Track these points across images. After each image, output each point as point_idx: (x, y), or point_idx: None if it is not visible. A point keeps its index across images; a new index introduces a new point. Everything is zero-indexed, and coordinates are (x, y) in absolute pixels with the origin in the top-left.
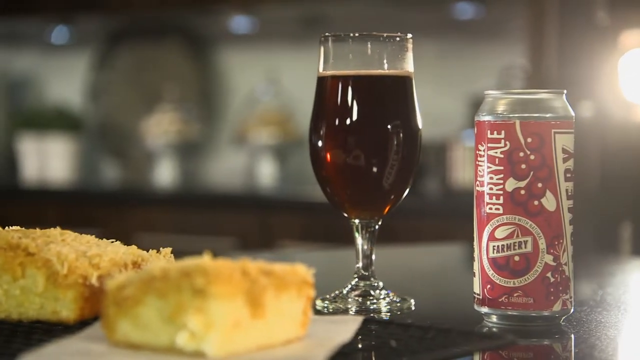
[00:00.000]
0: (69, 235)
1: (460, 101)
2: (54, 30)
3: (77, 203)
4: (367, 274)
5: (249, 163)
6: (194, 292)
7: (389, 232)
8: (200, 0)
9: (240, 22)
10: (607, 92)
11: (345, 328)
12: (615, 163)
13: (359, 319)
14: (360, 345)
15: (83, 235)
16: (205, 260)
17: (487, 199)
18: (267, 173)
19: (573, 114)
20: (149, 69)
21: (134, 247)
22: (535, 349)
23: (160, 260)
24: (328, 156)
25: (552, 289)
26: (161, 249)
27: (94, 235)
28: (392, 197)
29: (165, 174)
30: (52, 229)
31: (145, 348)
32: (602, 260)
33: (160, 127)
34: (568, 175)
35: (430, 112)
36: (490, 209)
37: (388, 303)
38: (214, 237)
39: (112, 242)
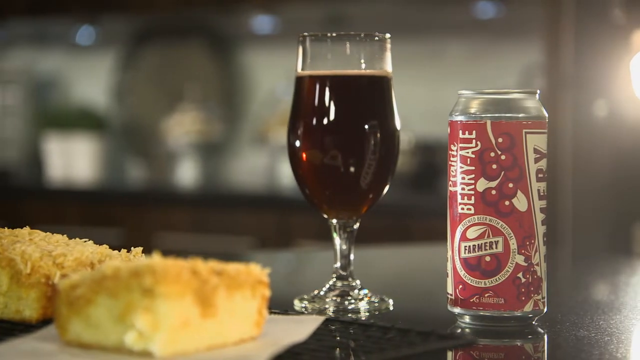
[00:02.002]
0: (38, 234)
1: None
2: (79, 31)
3: (100, 202)
4: (345, 274)
5: (270, 163)
6: (143, 291)
7: (404, 232)
8: (223, 0)
9: (262, 22)
10: (621, 91)
11: (303, 328)
12: (628, 163)
13: (320, 318)
14: (313, 345)
15: (54, 234)
16: (155, 259)
17: (459, 199)
18: (288, 173)
19: (546, 114)
20: (173, 69)
21: (104, 246)
22: (505, 350)
23: (117, 259)
24: (306, 156)
25: (523, 290)
26: (132, 248)
27: (65, 236)
28: (370, 197)
29: (187, 173)
30: (21, 228)
31: (96, 347)
32: (604, 261)
33: (183, 127)
34: (540, 175)
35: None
36: (462, 209)
37: (366, 303)
38: (233, 237)
39: (85, 241)
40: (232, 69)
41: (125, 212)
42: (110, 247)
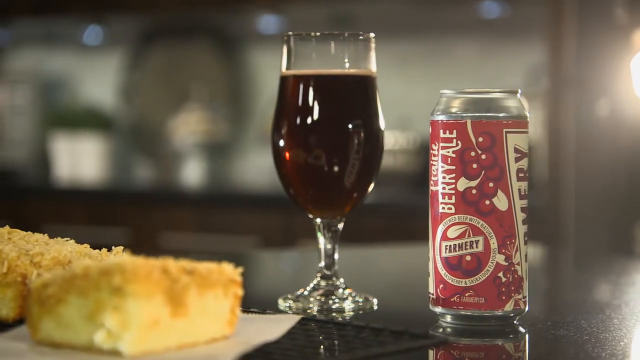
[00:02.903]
0: (17, 233)
1: None
2: (86, 31)
3: (106, 202)
4: (329, 273)
5: None
6: (112, 290)
7: (407, 232)
8: (229, 0)
9: (268, 22)
10: (623, 90)
11: (277, 327)
12: (630, 162)
13: (296, 318)
14: (285, 344)
15: (34, 233)
16: (125, 258)
17: (440, 198)
18: None
19: (527, 113)
20: (180, 68)
21: (84, 245)
22: (485, 349)
23: (97, 258)
24: (290, 156)
25: (503, 289)
26: (113, 247)
27: (46, 235)
28: (354, 196)
29: (193, 173)
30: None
31: (67, 347)
32: (597, 261)
33: (188, 127)
34: (521, 174)
35: None
36: (443, 208)
37: (350, 303)
38: (238, 237)
39: (67, 240)
40: (238, 68)
41: (132, 212)
42: (115, 247)
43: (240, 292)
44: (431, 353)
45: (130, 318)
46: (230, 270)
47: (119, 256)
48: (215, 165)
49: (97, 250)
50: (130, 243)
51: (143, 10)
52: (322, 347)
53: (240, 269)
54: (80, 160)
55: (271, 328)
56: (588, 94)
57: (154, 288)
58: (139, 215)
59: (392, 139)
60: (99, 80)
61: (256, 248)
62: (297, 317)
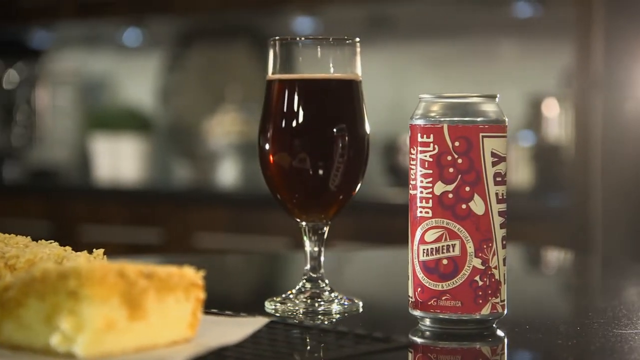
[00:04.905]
0: None
1: (519, 101)
2: (126, 33)
3: (144, 202)
4: (315, 276)
5: None
6: (68, 293)
7: None
8: (265, 1)
9: (303, 24)
10: None
11: (241, 330)
12: None
13: (263, 321)
14: (247, 348)
15: (17, 236)
16: (82, 262)
17: (418, 202)
18: None
19: (505, 118)
20: (217, 70)
21: (66, 248)
22: (461, 352)
23: (50, 261)
24: (275, 159)
25: (480, 293)
26: (94, 250)
27: (29, 238)
28: (339, 199)
29: (228, 174)
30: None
31: (27, 349)
32: (599, 264)
33: (224, 128)
34: (498, 179)
35: None
36: (421, 212)
37: (336, 305)
38: (271, 237)
39: (51, 242)
40: None
41: (169, 212)
42: (146, 246)
43: (201, 295)
44: (410, 356)
45: (84, 321)
46: (191, 274)
47: (78, 259)
48: (249, 166)
49: (78, 253)
50: (167, 243)
51: (182, 13)
52: (280, 350)
53: (201, 272)
54: (119, 160)
55: (234, 331)
56: (616, 95)
57: (109, 291)
58: (177, 216)
59: None
60: (138, 81)
61: (288, 249)
62: (265, 320)
